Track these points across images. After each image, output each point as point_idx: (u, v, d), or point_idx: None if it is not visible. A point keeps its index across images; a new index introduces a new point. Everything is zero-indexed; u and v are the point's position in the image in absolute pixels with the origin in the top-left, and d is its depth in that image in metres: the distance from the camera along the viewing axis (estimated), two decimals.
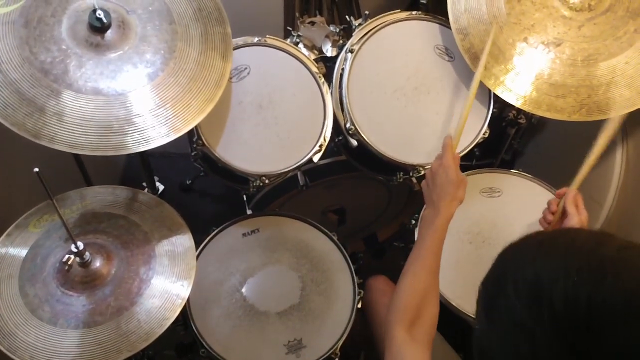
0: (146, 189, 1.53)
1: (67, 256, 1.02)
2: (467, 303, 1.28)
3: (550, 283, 0.55)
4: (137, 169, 1.51)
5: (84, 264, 1.04)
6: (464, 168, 1.48)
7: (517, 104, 1.29)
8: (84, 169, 1.46)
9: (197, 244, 1.32)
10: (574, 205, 1.10)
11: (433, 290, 1.00)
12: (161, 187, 1.62)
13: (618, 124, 1.06)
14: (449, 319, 1.27)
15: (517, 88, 1.28)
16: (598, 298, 0.52)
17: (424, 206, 1.15)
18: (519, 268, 0.60)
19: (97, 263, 1.06)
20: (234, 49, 1.29)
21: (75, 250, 1.02)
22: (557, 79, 1.26)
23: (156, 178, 1.60)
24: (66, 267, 1.02)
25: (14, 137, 0.99)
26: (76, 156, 1.41)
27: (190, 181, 2.04)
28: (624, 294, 0.52)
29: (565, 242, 0.59)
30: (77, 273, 1.04)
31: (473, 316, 1.25)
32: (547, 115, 1.27)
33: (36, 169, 0.85)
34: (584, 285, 0.53)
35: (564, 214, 1.11)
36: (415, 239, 1.36)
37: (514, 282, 0.58)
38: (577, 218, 1.08)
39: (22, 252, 1.09)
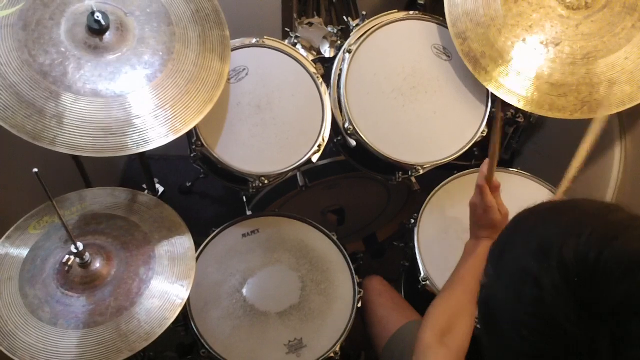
0: (146, 191, 1.54)
1: (66, 257, 1.02)
2: None
3: (560, 240, 0.56)
4: (137, 171, 1.51)
5: (84, 265, 1.05)
6: (462, 168, 1.49)
7: (519, 104, 1.29)
8: (83, 172, 1.46)
9: (197, 245, 1.33)
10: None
11: (468, 308, 1.00)
12: (161, 189, 1.63)
13: (601, 125, 1.02)
14: None
15: (518, 89, 1.28)
16: (606, 254, 0.53)
17: (473, 234, 1.14)
18: (530, 226, 0.62)
19: (97, 264, 1.07)
20: (232, 50, 1.29)
21: (75, 250, 1.02)
22: (557, 78, 1.26)
23: (156, 180, 1.61)
24: (66, 268, 1.02)
25: (13, 139, 0.99)
26: (76, 158, 1.41)
27: (190, 183, 2.04)
28: (632, 252, 0.53)
29: (578, 207, 0.62)
30: (76, 274, 1.05)
31: None
32: (550, 114, 1.27)
33: (35, 170, 0.86)
34: (595, 243, 0.54)
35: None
36: (415, 241, 1.37)
37: (523, 236, 0.61)
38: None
39: (22, 253, 1.10)
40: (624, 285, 0.52)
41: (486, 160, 1.10)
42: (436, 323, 0.98)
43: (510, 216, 0.68)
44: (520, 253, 0.60)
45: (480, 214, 1.09)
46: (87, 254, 1.04)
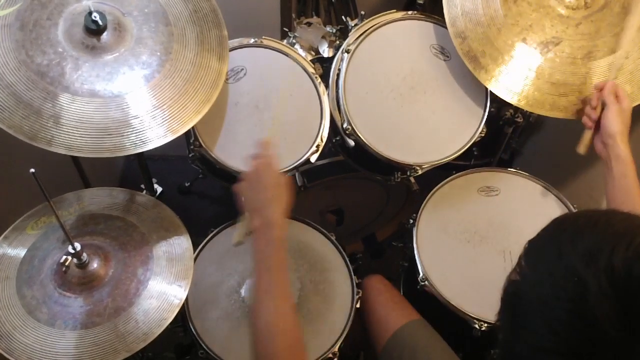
0: (144, 192, 1.54)
1: (64, 257, 1.02)
2: (465, 302, 1.27)
3: (610, 246, 0.56)
4: (136, 171, 1.51)
5: (82, 265, 1.04)
6: (462, 168, 1.49)
7: (520, 104, 1.28)
8: (82, 172, 1.46)
9: (196, 246, 1.33)
10: (613, 94, 1.13)
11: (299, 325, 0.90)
12: (159, 190, 1.63)
13: None
14: (447, 319, 1.27)
15: (518, 89, 1.28)
16: None
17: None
18: (579, 228, 0.61)
19: (95, 264, 1.07)
20: (230, 50, 1.29)
21: (73, 251, 1.02)
22: (558, 77, 1.26)
23: (154, 180, 1.61)
24: (64, 269, 1.02)
25: (11, 139, 0.99)
26: (74, 159, 1.41)
27: (189, 184, 2.04)
28: None
29: (629, 218, 0.62)
30: (74, 274, 1.04)
31: (472, 315, 1.25)
32: (551, 114, 1.27)
33: (32, 170, 0.85)
34: None
35: (603, 106, 1.14)
36: (414, 241, 1.36)
37: (571, 237, 0.60)
38: (616, 106, 1.11)
39: (20, 254, 1.10)
40: None
41: None
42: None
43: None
44: (566, 252, 0.59)
45: (261, 179, 1.00)
46: (84, 254, 1.04)
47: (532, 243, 0.66)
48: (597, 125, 1.17)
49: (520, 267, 0.64)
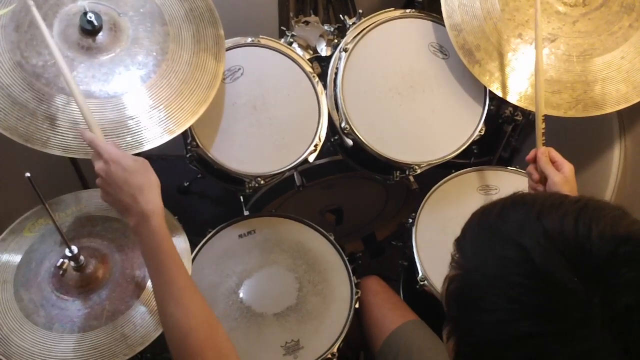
0: None
1: (61, 261, 1.01)
2: None
3: (536, 215, 0.59)
4: None
5: (79, 268, 1.04)
6: (461, 166, 1.48)
7: (513, 100, 1.28)
8: (80, 173, 1.45)
9: (195, 245, 1.32)
10: (549, 164, 1.05)
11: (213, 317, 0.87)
12: None
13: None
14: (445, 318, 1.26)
15: (512, 85, 1.28)
16: (581, 224, 0.56)
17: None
18: (501, 212, 0.63)
19: (92, 267, 1.06)
20: (227, 49, 1.28)
21: (70, 254, 1.01)
22: (552, 74, 1.25)
23: None
24: (61, 272, 1.01)
25: (8, 140, 0.99)
26: (73, 160, 1.40)
27: (188, 183, 2.04)
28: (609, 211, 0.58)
29: (542, 194, 0.65)
30: (72, 277, 1.04)
31: None
32: (543, 111, 1.26)
33: (27, 174, 0.85)
34: (572, 216, 0.57)
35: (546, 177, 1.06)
36: (413, 240, 1.35)
37: (499, 218, 0.62)
38: (558, 177, 1.03)
39: (17, 257, 1.09)
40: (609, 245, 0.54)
41: None
42: None
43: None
44: (497, 229, 0.61)
45: (117, 170, 0.88)
46: (81, 257, 1.04)
47: (460, 238, 0.66)
48: None
49: (456, 262, 0.65)
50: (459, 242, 0.66)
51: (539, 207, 0.60)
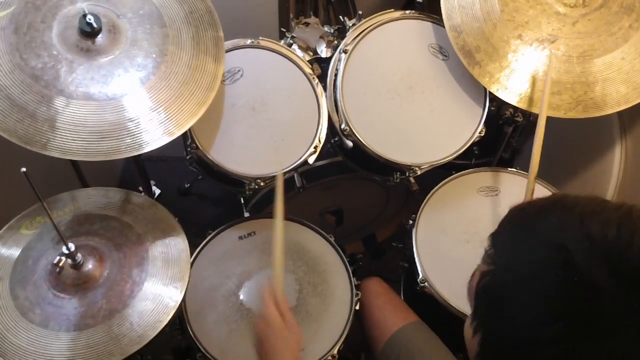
0: (142, 194, 1.53)
1: (58, 258, 1.01)
2: (465, 303, 1.25)
3: (579, 220, 0.58)
4: (135, 173, 1.51)
5: (76, 266, 1.04)
6: (462, 167, 1.48)
7: (513, 102, 1.28)
8: (80, 173, 1.46)
9: (196, 247, 1.32)
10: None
11: None
12: (157, 191, 1.62)
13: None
14: (446, 320, 1.26)
15: (512, 86, 1.27)
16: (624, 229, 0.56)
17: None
18: (540, 212, 0.63)
19: (89, 265, 1.06)
20: (227, 51, 1.29)
21: (67, 252, 1.01)
22: (552, 75, 1.25)
23: (152, 182, 1.61)
24: (57, 269, 1.02)
25: (7, 140, 0.99)
26: (72, 160, 1.41)
27: (188, 185, 2.04)
28: None
29: (583, 198, 0.63)
30: (68, 275, 1.04)
31: None
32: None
33: (23, 169, 0.85)
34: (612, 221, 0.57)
35: None
36: (413, 242, 1.34)
37: (538, 219, 0.61)
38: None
39: (14, 254, 1.09)
40: None
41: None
42: None
43: None
44: (535, 229, 0.60)
45: (271, 333, 0.94)
46: (79, 255, 1.03)
47: (496, 234, 0.66)
48: None
49: (491, 257, 0.64)
50: (495, 238, 0.66)
51: (581, 210, 0.59)
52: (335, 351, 1.24)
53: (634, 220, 0.57)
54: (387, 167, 1.37)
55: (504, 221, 0.66)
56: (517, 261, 0.61)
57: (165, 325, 1.04)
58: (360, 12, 1.44)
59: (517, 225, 0.65)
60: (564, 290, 0.55)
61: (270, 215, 1.45)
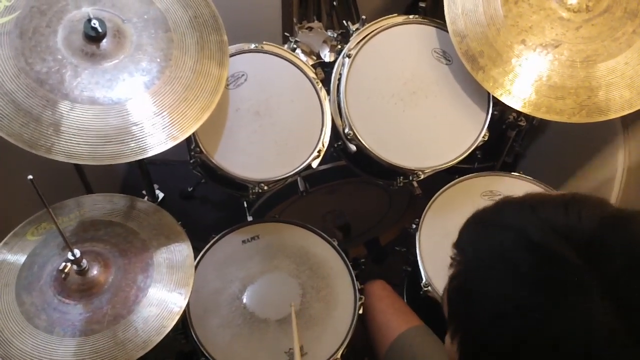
0: (145, 198, 1.53)
1: (63, 264, 1.01)
2: None
3: (531, 209, 0.62)
4: (138, 177, 1.51)
5: (81, 272, 1.04)
6: (465, 171, 1.48)
7: (517, 106, 1.28)
8: (84, 178, 1.46)
9: (199, 251, 1.32)
10: None
11: None
12: (161, 195, 1.62)
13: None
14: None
15: (516, 90, 1.27)
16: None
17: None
18: (496, 210, 0.66)
19: (94, 271, 1.06)
20: (231, 55, 1.29)
21: (72, 258, 1.01)
22: (556, 80, 1.25)
23: (156, 186, 1.60)
24: (63, 275, 1.02)
25: (12, 144, 0.99)
26: (76, 165, 1.41)
27: (191, 188, 2.04)
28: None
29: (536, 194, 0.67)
30: (74, 281, 1.04)
31: None
32: (547, 117, 1.26)
33: (30, 177, 0.85)
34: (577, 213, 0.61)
35: None
36: (417, 246, 1.34)
37: (494, 213, 0.66)
38: None
39: (20, 260, 1.09)
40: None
41: None
42: None
43: None
44: (493, 221, 0.65)
45: None
46: (84, 261, 1.04)
47: (457, 240, 0.68)
48: None
49: (455, 260, 0.67)
50: (457, 244, 0.68)
51: (530, 201, 0.64)
52: (338, 355, 1.24)
53: (578, 202, 0.62)
54: (390, 172, 1.37)
55: (463, 228, 0.69)
56: (481, 252, 0.64)
57: (169, 330, 1.04)
58: (363, 17, 1.44)
59: (475, 224, 0.68)
60: (524, 263, 0.58)
61: (273, 219, 1.45)
